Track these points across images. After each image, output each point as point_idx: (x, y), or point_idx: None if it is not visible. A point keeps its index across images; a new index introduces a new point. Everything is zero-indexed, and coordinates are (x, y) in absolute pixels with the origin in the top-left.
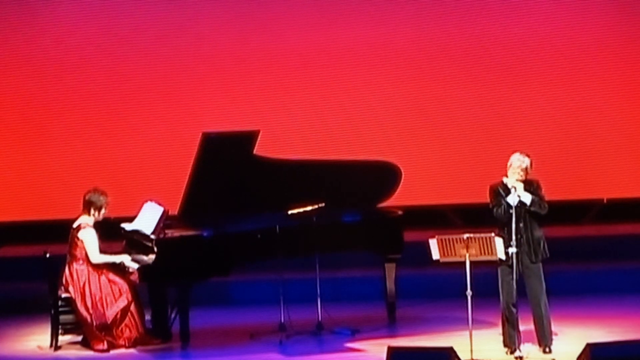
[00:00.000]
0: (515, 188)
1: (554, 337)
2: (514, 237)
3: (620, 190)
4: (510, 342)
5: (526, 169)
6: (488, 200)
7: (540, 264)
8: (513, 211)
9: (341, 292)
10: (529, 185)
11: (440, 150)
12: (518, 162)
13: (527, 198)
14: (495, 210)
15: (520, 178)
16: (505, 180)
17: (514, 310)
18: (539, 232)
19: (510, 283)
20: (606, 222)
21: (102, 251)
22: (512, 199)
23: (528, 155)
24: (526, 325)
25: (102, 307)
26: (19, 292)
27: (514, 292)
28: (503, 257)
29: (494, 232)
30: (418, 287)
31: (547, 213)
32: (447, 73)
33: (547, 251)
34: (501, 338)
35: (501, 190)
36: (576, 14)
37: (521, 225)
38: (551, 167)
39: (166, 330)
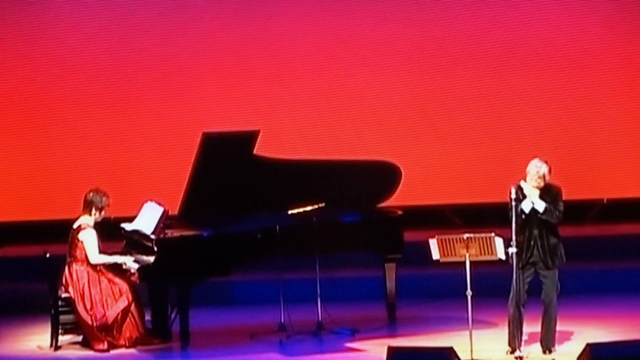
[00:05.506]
0: (523, 194)
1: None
2: (514, 237)
3: (620, 190)
4: (513, 341)
5: (543, 175)
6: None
7: (556, 270)
8: (514, 213)
9: (341, 292)
10: (548, 191)
11: (441, 150)
12: (535, 169)
13: (541, 206)
14: (509, 212)
15: (537, 185)
16: (522, 184)
17: (521, 310)
18: (555, 239)
19: (520, 283)
20: (606, 222)
21: (102, 251)
22: (526, 205)
23: (546, 162)
24: (531, 327)
25: (102, 308)
26: (19, 292)
27: (523, 292)
28: (503, 257)
29: (494, 232)
30: (418, 287)
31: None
32: (447, 73)
33: (563, 257)
34: (500, 337)
35: (519, 194)
36: (577, 14)
37: (535, 232)
38: (552, 167)
39: (166, 330)
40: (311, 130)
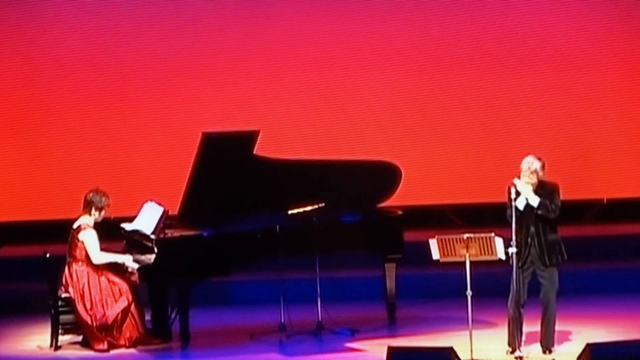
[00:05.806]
0: (517, 192)
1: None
2: (514, 237)
3: (620, 190)
4: (512, 341)
5: (535, 171)
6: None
7: (555, 268)
8: (513, 213)
9: (341, 292)
10: (543, 187)
11: (440, 150)
12: (527, 165)
13: (535, 201)
14: (508, 210)
15: (530, 181)
16: (515, 181)
17: (520, 310)
18: (553, 236)
19: (520, 283)
20: (606, 222)
21: (103, 249)
22: (520, 202)
23: (539, 158)
24: (531, 327)
25: (102, 308)
26: (19, 292)
27: (523, 292)
28: (503, 257)
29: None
30: (418, 287)
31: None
32: (447, 73)
33: (564, 254)
34: (500, 337)
35: (512, 191)
36: (575, 14)
37: (532, 229)
38: (551, 167)
39: (166, 330)
40: (310, 130)
